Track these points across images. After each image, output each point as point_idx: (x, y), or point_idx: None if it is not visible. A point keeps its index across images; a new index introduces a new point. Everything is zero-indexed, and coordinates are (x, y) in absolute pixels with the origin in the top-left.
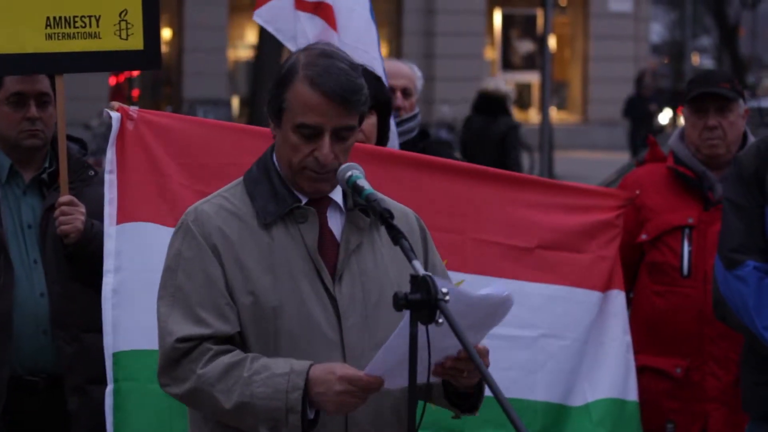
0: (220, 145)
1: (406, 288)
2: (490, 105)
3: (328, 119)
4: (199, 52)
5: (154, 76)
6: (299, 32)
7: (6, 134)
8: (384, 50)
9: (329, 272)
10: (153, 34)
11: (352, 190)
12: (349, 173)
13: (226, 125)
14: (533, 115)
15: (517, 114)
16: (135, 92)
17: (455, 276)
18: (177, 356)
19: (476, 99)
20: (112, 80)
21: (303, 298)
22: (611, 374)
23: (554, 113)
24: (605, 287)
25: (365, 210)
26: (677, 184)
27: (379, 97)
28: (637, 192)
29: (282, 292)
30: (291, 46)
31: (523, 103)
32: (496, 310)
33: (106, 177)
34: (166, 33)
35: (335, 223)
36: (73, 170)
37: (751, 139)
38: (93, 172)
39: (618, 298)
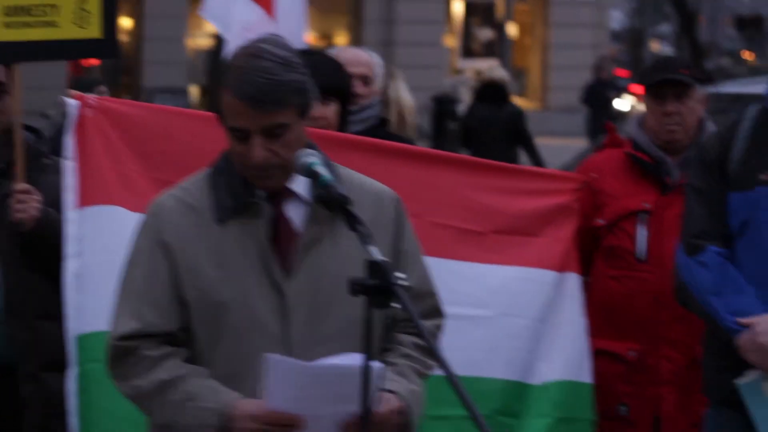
0: (180, 132)
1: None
2: (495, 93)
3: (252, 122)
4: (158, 41)
5: (113, 65)
6: (236, 16)
7: None
8: (344, 38)
9: (283, 267)
10: (111, 22)
11: (309, 177)
12: (305, 160)
13: (188, 112)
14: None
15: None
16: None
17: None
18: (117, 354)
19: (480, 88)
20: (73, 69)
21: (249, 293)
22: (567, 356)
23: (514, 100)
24: (561, 268)
25: (328, 201)
26: (635, 170)
27: (340, 85)
28: (594, 175)
29: (229, 288)
30: (228, 36)
31: None
32: (349, 379)
33: (66, 164)
34: (126, 22)
35: (298, 216)
36: (28, 159)
37: (709, 125)
38: (49, 161)
39: (573, 280)
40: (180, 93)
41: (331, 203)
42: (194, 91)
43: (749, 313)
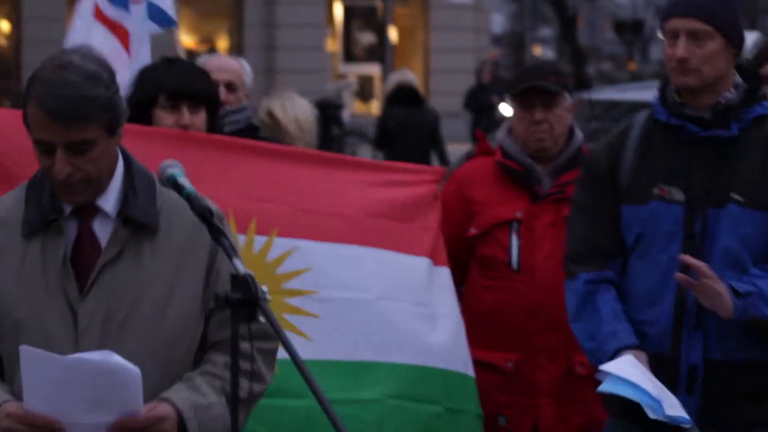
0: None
1: (184, 298)
2: (409, 96)
3: (56, 136)
4: (37, 44)
5: None
6: (92, 39)
7: None
8: (225, 42)
9: (81, 286)
10: None
11: (172, 187)
12: (169, 171)
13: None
14: (375, 107)
15: (358, 106)
16: None
17: (287, 242)
18: None
19: (394, 91)
20: None
21: (44, 313)
22: (452, 346)
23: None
24: (432, 257)
25: (136, 219)
26: (505, 178)
27: (206, 93)
28: (449, 168)
29: (26, 306)
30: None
31: (366, 96)
32: (104, 377)
33: None
34: (4, 25)
35: (104, 233)
36: None
37: (578, 132)
38: None
39: (445, 274)
40: None
41: (134, 223)
42: None
43: (599, 338)
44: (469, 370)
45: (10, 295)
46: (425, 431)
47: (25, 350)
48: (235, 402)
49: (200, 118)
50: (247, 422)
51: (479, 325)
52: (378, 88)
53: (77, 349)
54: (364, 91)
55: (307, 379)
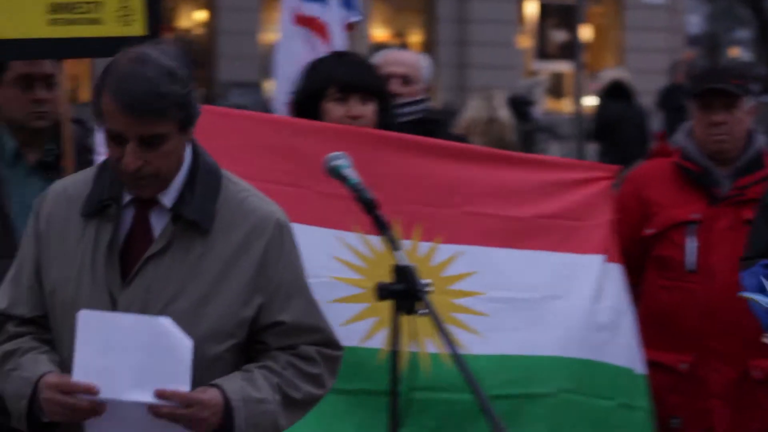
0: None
1: (226, 298)
2: (623, 92)
3: (128, 128)
4: (231, 34)
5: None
6: (295, 46)
7: (13, 116)
8: (418, 37)
9: (126, 275)
10: (154, 20)
11: (338, 178)
12: (335, 162)
13: (223, 111)
14: (567, 105)
15: (551, 103)
16: None
17: (452, 248)
18: None
19: (609, 87)
20: None
21: (86, 297)
22: (624, 343)
23: (589, 102)
24: (605, 254)
25: (187, 216)
26: (683, 180)
27: (375, 85)
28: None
29: (73, 288)
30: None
31: (558, 93)
32: (161, 340)
33: (98, 159)
34: (200, 15)
35: (160, 226)
36: (75, 153)
37: (759, 135)
38: (93, 156)
39: (618, 270)
40: (253, 87)
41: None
42: (267, 86)
43: None
44: (642, 368)
45: (63, 275)
46: (597, 426)
47: (83, 314)
48: (394, 395)
49: (370, 109)
50: (419, 416)
51: (654, 325)
52: (570, 86)
53: None
54: (556, 89)
55: (465, 373)
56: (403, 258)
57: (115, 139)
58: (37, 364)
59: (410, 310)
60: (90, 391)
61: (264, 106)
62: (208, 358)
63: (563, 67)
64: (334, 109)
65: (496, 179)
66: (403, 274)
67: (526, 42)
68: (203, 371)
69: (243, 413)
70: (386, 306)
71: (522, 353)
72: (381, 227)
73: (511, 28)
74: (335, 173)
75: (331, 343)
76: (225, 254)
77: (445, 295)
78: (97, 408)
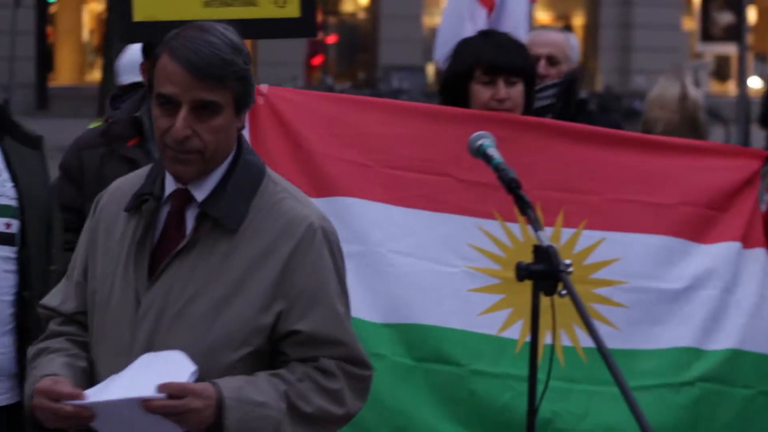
0: (352, 117)
1: (246, 300)
2: None
3: (184, 90)
4: (394, 18)
5: (350, 43)
6: (460, 12)
7: None
8: (580, 20)
9: (153, 272)
10: (310, 2)
11: (482, 158)
12: (480, 142)
13: (358, 99)
14: (732, 87)
15: (715, 86)
16: (316, 60)
17: (595, 234)
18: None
19: None
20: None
21: (116, 293)
22: (764, 329)
23: (757, 84)
24: (743, 241)
25: (212, 215)
26: None
27: (524, 66)
28: None
29: (108, 283)
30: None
31: (722, 75)
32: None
33: None
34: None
35: (192, 222)
36: None
37: None
38: None
39: (758, 255)
40: (417, 71)
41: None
42: (430, 70)
43: None
44: None
45: (100, 271)
46: (738, 415)
47: (91, 392)
48: (532, 395)
49: (517, 91)
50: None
51: None
52: (734, 69)
53: (133, 338)
54: (721, 71)
55: (610, 366)
56: (545, 238)
57: (167, 105)
58: (49, 367)
59: (550, 292)
60: (76, 397)
61: (426, 89)
62: (220, 367)
63: (728, 49)
64: (481, 92)
65: (644, 165)
66: (544, 255)
67: (690, 24)
68: (219, 375)
69: (236, 413)
70: (522, 297)
71: (658, 347)
72: (523, 207)
73: (675, 10)
74: (479, 152)
75: (356, 360)
76: (251, 255)
77: (587, 285)
78: (83, 413)
